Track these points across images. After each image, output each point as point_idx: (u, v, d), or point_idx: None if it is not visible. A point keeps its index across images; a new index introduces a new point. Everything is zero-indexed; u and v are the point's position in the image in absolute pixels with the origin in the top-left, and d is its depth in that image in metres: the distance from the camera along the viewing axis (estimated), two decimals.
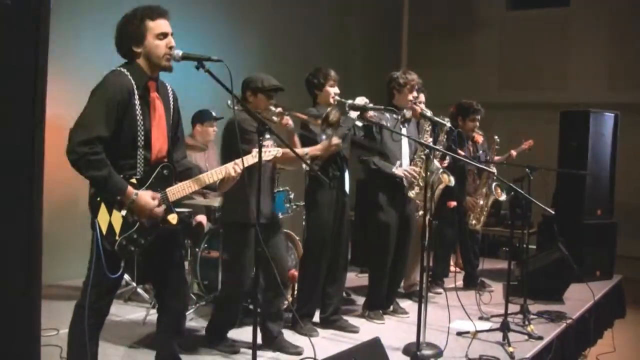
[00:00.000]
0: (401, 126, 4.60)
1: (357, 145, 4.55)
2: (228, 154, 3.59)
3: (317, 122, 3.87)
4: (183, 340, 3.09)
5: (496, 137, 6.02)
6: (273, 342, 3.88)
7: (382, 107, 4.28)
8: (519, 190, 4.39)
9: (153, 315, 3.51)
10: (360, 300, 5.07)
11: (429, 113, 4.67)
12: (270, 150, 3.22)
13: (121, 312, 4.58)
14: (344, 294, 5.00)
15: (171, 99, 2.94)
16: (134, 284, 4.85)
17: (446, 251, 5.98)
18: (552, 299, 5.36)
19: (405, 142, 4.67)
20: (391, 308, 4.90)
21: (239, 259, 3.72)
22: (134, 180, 2.74)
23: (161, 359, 3.06)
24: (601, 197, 6.62)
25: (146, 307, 4.52)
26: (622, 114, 6.83)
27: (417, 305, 3.80)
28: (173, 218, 2.86)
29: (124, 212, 2.71)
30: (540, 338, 4.30)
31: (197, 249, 4.75)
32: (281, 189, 4.76)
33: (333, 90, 4.24)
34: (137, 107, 2.72)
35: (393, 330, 4.47)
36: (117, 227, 2.70)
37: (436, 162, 4.70)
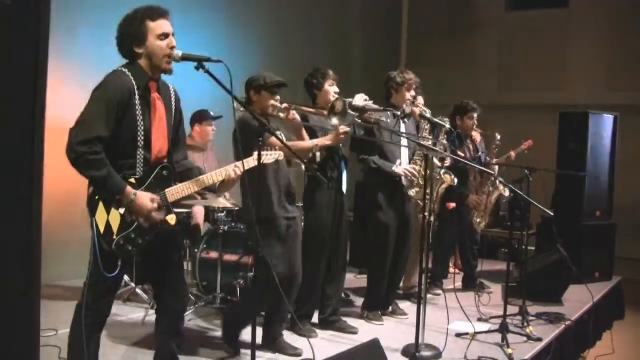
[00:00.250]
0: (401, 122, 4.61)
1: (357, 143, 4.54)
2: (239, 156, 3.60)
3: (324, 113, 3.86)
4: (182, 341, 3.08)
5: (497, 134, 6.00)
6: (273, 344, 3.87)
7: (382, 108, 4.29)
8: (518, 191, 4.40)
9: (152, 315, 3.50)
10: (359, 301, 5.07)
11: (428, 114, 4.68)
12: (272, 154, 3.22)
13: (120, 312, 4.57)
14: (343, 295, 5.00)
15: (173, 99, 2.93)
16: (133, 285, 4.84)
17: (445, 253, 5.98)
18: (551, 301, 5.37)
19: (404, 141, 4.67)
20: (390, 309, 4.90)
21: (271, 252, 3.66)
22: (133, 180, 2.73)
23: (160, 359, 3.04)
24: (600, 198, 6.63)
25: (145, 307, 4.52)
26: (621, 115, 6.84)
27: (416, 306, 3.80)
28: (172, 219, 2.85)
29: (122, 211, 2.70)
30: (539, 340, 4.30)
31: (196, 250, 4.75)
32: None
33: (333, 90, 4.25)
34: (137, 107, 2.72)
35: (392, 332, 4.46)
36: (115, 227, 2.69)
37: (436, 161, 4.71)
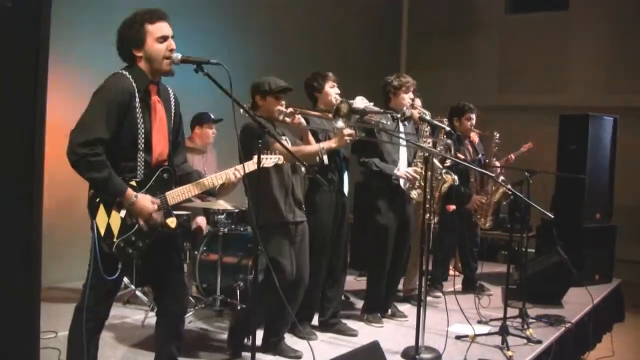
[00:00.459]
0: (401, 124, 4.61)
1: (358, 146, 4.54)
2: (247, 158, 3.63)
3: (329, 115, 3.86)
4: (182, 343, 3.08)
5: (496, 132, 5.99)
6: (273, 346, 3.87)
7: (382, 110, 4.29)
8: (518, 193, 4.40)
9: (152, 317, 3.50)
10: (359, 303, 5.07)
11: (427, 116, 4.68)
12: (272, 157, 3.23)
13: (120, 314, 4.57)
14: (343, 297, 5.00)
15: (172, 103, 2.94)
16: (133, 287, 4.83)
17: (445, 255, 5.98)
18: (551, 303, 5.37)
19: (404, 144, 4.67)
20: (390, 311, 4.90)
21: (283, 256, 3.67)
22: (133, 183, 2.73)
23: None
24: (600, 200, 6.63)
25: (145, 309, 4.51)
26: (621, 117, 6.84)
27: (416, 308, 3.80)
28: (172, 222, 2.85)
29: (122, 214, 2.70)
30: (539, 342, 4.29)
31: (196, 252, 4.75)
32: None
33: (333, 91, 4.25)
34: (137, 110, 2.72)
35: (392, 334, 4.46)
36: (116, 229, 2.69)
37: (437, 162, 4.71)
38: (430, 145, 4.69)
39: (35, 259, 2.30)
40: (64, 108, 4.10)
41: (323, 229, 4.25)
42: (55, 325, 3.73)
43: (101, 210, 2.68)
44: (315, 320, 4.47)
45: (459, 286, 5.80)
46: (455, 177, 4.81)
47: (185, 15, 5.82)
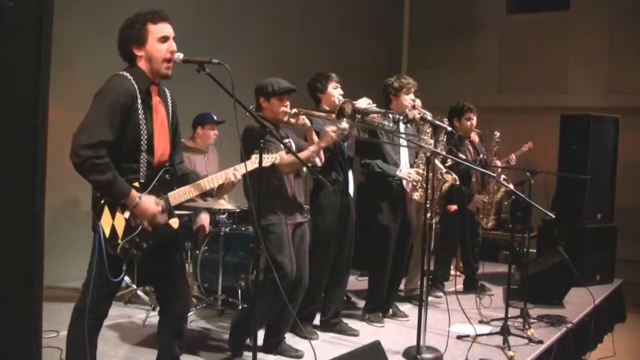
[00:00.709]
0: (402, 125, 4.62)
1: (362, 147, 4.55)
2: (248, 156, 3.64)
3: (332, 116, 3.86)
4: (183, 342, 3.09)
5: (496, 132, 5.98)
6: (275, 346, 3.87)
7: (384, 110, 4.29)
8: (520, 193, 4.40)
9: (153, 317, 3.51)
10: (361, 303, 5.07)
11: (429, 116, 4.68)
12: (269, 157, 3.23)
13: (121, 314, 4.57)
14: (344, 297, 4.99)
15: (170, 105, 2.95)
16: (134, 286, 4.84)
17: (447, 255, 5.98)
18: (552, 303, 5.37)
19: (405, 145, 4.67)
20: (391, 312, 4.90)
21: (283, 255, 3.67)
22: (136, 184, 2.74)
23: None
24: (601, 201, 6.62)
25: (146, 309, 4.51)
26: (622, 117, 6.83)
27: (418, 308, 3.79)
28: (174, 222, 2.87)
29: (126, 215, 2.71)
30: (540, 342, 4.29)
31: (197, 251, 4.76)
32: None
33: (336, 92, 4.25)
34: (140, 111, 2.72)
35: (393, 334, 4.46)
36: (120, 231, 2.70)
37: (438, 163, 4.71)
38: (432, 145, 4.69)
39: (37, 260, 2.31)
40: (65, 109, 4.12)
41: (327, 229, 4.25)
42: (57, 324, 3.72)
43: (106, 212, 2.69)
44: (316, 320, 4.47)
45: (460, 286, 5.79)
46: (456, 177, 4.81)
47: (188, 15, 5.82)
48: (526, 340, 4.29)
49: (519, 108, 9.03)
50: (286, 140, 3.65)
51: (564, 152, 6.61)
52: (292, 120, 3.71)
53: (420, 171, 4.57)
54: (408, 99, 4.65)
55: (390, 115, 4.49)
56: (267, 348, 3.87)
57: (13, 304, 2.23)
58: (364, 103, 4.14)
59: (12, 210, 2.24)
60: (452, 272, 6.30)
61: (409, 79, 4.68)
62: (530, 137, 6.94)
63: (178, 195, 2.87)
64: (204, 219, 5.04)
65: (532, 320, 4.68)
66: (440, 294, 5.50)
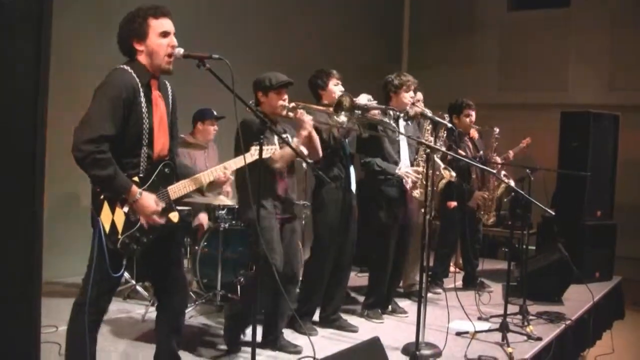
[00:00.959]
0: (403, 123, 4.62)
1: (363, 145, 4.54)
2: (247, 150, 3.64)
3: (330, 110, 3.86)
4: (182, 338, 3.09)
5: (495, 128, 5.96)
6: (273, 341, 3.87)
7: (384, 106, 4.29)
8: (519, 190, 4.39)
9: (152, 312, 3.51)
10: (360, 299, 5.07)
11: (429, 113, 4.68)
12: (268, 149, 3.22)
13: (120, 309, 4.57)
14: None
15: (170, 98, 2.94)
16: (134, 282, 4.84)
17: (447, 251, 5.98)
18: (551, 300, 5.36)
19: (404, 143, 4.67)
20: (390, 308, 4.90)
21: (272, 250, 3.66)
22: (136, 179, 2.74)
23: (160, 357, 3.05)
24: (601, 198, 6.62)
25: (145, 304, 4.52)
26: (622, 115, 6.82)
27: (417, 305, 3.79)
28: (174, 216, 2.87)
29: (126, 210, 2.71)
30: (539, 339, 4.29)
31: (196, 247, 4.75)
32: None
33: (337, 89, 4.25)
34: (142, 105, 2.72)
35: (392, 330, 4.46)
36: (120, 226, 2.70)
37: (438, 160, 4.70)
38: (432, 142, 4.68)
39: (36, 255, 2.30)
40: (65, 103, 4.11)
41: (329, 226, 4.25)
42: (56, 319, 3.72)
43: (105, 207, 2.69)
44: (315, 316, 4.47)
45: (459, 283, 5.80)
46: (454, 174, 4.81)
47: (188, 13, 5.80)
48: (525, 337, 4.29)
49: (519, 105, 9.01)
50: (284, 135, 3.65)
51: (564, 149, 6.61)
52: (291, 114, 3.71)
53: (420, 169, 4.56)
54: (408, 96, 4.64)
55: (391, 112, 4.49)
56: (266, 344, 3.87)
57: (12, 298, 2.22)
58: (364, 99, 4.14)
59: (10, 204, 2.23)
60: (452, 268, 6.30)
61: (408, 77, 4.67)
62: (530, 135, 6.93)
63: (178, 189, 2.87)
64: (203, 218, 5.03)
65: (531, 317, 4.67)
66: (440, 290, 5.50)
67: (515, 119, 8.52)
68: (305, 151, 3.73)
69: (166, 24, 2.77)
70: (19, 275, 2.23)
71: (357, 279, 6.02)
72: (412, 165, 4.67)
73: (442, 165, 4.81)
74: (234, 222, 4.85)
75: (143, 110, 2.72)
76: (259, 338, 3.71)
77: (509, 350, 3.98)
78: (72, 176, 2.85)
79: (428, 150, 3.99)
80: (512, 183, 5.31)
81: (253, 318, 2.99)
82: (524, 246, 5.14)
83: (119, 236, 2.69)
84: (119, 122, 2.65)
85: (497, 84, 9.54)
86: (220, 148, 5.42)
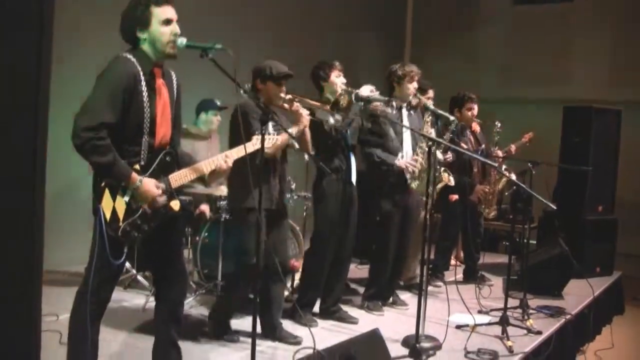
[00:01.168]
0: (405, 114, 4.60)
1: (364, 136, 4.53)
2: (233, 141, 3.65)
3: (326, 107, 3.85)
4: (181, 328, 3.07)
5: (497, 122, 5.92)
6: (272, 332, 3.88)
7: (387, 98, 4.29)
8: (521, 184, 4.38)
9: (153, 302, 3.49)
10: (360, 291, 5.07)
11: (431, 105, 4.65)
12: (270, 138, 3.21)
13: (121, 299, 4.57)
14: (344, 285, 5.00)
15: (175, 88, 2.93)
16: (134, 271, 4.84)
17: (448, 245, 5.97)
18: (551, 294, 5.36)
19: (407, 133, 4.66)
20: (391, 300, 4.90)
21: (246, 244, 3.69)
22: (137, 167, 2.73)
23: (159, 347, 3.04)
24: (603, 193, 6.60)
25: (146, 294, 4.52)
26: (624, 110, 6.80)
27: (417, 297, 3.79)
28: (175, 204, 2.85)
29: (127, 198, 2.70)
30: (539, 333, 4.29)
31: (197, 237, 4.75)
32: None
33: (339, 81, 4.24)
34: (143, 94, 2.70)
35: (392, 322, 4.46)
36: (121, 213, 2.69)
37: (439, 155, 4.69)
38: (432, 134, 4.67)
39: (37, 244, 2.30)
40: (65, 93, 4.09)
41: (330, 218, 4.25)
42: (57, 308, 3.73)
43: (106, 195, 2.67)
44: (316, 307, 4.47)
45: (460, 276, 5.80)
46: (452, 179, 4.81)
47: (190, 4, 5.77)
48: (525, 331, 4.30)
49: (521, 99, 8.98)
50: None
51: (566, 144, 6.59)
52: (286, 105, 3.70)
53: (419, 159, 4.54)
54: (411, 87, 4.62)
55: (394, 103, 4.48)
56: (266, 335, 3.88)
57: (12, 287, 2.22)
58: (366, 91, 4.13)
59: (11, 192, 2.22)
60: (453, 262, 6.30)
61: (412, 67, 4.65)
62: (532, 129, 6.90)
63: (179, 177, 2.86)
64: (205, 208, 5.02)
65: (531, 311, 4.68)
66: (440, 283, 5.50)
67: (518, 113, 8.48)
68: (296, 145, 3.74)
69: (169, 11, 2.75)
70: (19, 262, 2.23)
71: (358, 270, 6.02)
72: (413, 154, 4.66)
73: (443, 168, 4.81)
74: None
75: (144, 99, 2.70)
76: (258, 329, 3.71)
77: (509, 343, 3.98)
78: (74, 164, 2.83)
79: (430, 143, 3.97)
80: (514, 177, 5.30)
81: (254, 308, 2.98)
82: (525, 240, 5.14)
83: (120, 223, 2.68)
84: (119, 110, 2.64)
85: (500, 78, 9.50)
86: (224, 139, 5.40)
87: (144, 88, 2.70)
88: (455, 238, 6.06)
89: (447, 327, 4.00)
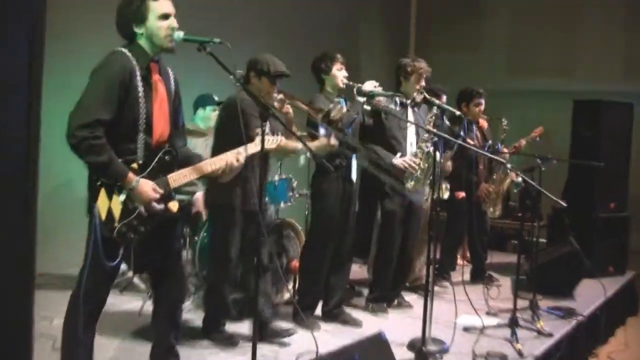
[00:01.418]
0: (409, 110, 4.52)
1: (366, 132, 4.44)
2: (223, 136, 3.61)
3: (318, 115, 3.78)
4: (179, 331, 3.03)
5: (503, 119, 5.84)
6: (264, 329, 3.79)
7: (391, 93, 4.23)
8: (530, 180, 4.28)
9: (150, 305, 3.47)
10: (364, 292, 4.98)
11: (437, 101, 4.55)
12: (273, 139, 3.18)
13: (117, 302, 4.49)
14: (347, 286, 4.90)
15: (172, 83, 2.88)
16: (131, 274, 4.76)
17: (454, 243, 5.88)
18: (562, 295, 5.26)
19: (411, 129, 4.58)
20: (396, 302, 4.83)
21: (223, 243, 3.66)
22: (134, 166, 2.68)
23: (157, 351, 3.00)
24: (614, 189, 6.48)
25: (143, 297, 4.43)
26: (637, 103, 6.68)
27: (423, 299, 3.72)
28: (174, 205, 2.79)
29: (122, 198, 2.64)
30: (550, 335, 4.22)
31: (196, 238, 4.66)
32: (284, 177, 4.70)
33: (341, 74, 4.17)
34: (139, 89, 2.66)
35: (397, 325, 4.39)
36: (117, 214, 2.64)
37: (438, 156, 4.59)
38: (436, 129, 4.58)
39: (30, 247, 2.22)
40: (59, 90, 4.00)
41: (329, 216, 4.19)
42: (50, 312, 3.67)
43: (102, 194, 2.62)
44: (318, 310, 4.40)
45: (467, 276, 5.70)
46: (446, 195, 4.72)
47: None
48: (535, 333, 4.23)
49: (528, 91, 8.85)
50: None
51: (576, 138, 6.48)
52: (277, 105, 3.63)
53: (417, 160, 4.43)
54: (418, 85, 4.54)
55: (397, 99, 4.39)
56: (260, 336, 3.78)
57: (4, 291, 2.15)
58: (369, 86, 4.10)
59: (3, 194, 2.15)
60: (459, 261, 6.22)
61: (422, 64, 4.57)
62: (540, 122, 6.77)
63: (178, 177, 2.80)
64: (200, 205, 4.91)
65: (541, 312, 4.59)
66: (447, 283, 5.41)
67: (525, 106, 8.37)
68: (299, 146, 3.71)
69: (166, 5, 2.72)
70: (11, 265, 2.16)
71: (361, 271, 5.92)
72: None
73: (445, 184, 4.74)
74: None
75: (140, 94, 2.65)
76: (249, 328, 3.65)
77: (518, 346, 3.90)
78: (68, 165, 2.78)
79: (435, 139, 3.88)
80: (519, 179, 5.20)
81: (255, 311, 2.89)
82: (534, 238, 5.05)
83: (116, 224, 2.63)
84: (115, 106, 2.60)
85: (506, 69, 9.37)
86: None
87: (140, 83, 2.66)
88: (460, 236, 5.97)
89: (455, 330, 3.93)
